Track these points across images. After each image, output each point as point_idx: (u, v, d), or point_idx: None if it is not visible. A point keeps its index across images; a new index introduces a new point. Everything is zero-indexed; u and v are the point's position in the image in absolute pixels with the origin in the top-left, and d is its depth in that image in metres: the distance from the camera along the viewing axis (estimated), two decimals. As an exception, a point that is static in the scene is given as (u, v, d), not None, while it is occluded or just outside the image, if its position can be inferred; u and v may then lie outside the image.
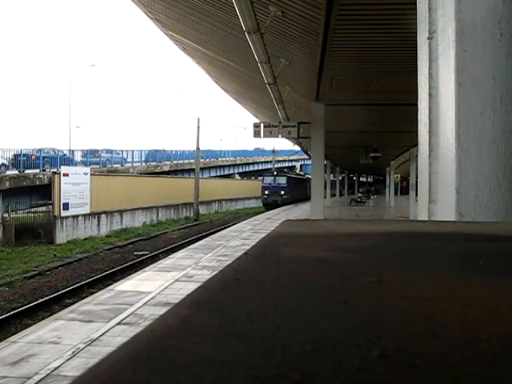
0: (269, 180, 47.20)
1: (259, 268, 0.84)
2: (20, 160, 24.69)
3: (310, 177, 55.40)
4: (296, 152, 61.00)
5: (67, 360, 5.77)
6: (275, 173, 48.70)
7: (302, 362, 0.43)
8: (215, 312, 0.58)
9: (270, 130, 15.45)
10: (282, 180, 46.70)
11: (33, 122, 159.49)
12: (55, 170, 25.46)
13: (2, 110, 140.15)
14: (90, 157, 33.26)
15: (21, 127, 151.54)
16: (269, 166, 61.85)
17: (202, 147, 39.02)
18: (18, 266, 16.79)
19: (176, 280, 10.27)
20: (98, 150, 35.53)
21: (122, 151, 37.57)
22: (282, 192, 45.54)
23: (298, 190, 49.97)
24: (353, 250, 1.01)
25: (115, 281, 12.74)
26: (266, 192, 46.28)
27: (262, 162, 66.45)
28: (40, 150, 26.78)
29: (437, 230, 1.43)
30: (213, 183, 46.78)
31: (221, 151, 57.74)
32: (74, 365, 5.61)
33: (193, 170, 39.35)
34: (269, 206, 44.53)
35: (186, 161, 44.30)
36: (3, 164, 24.16)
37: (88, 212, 24.93)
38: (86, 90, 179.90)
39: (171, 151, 45.01)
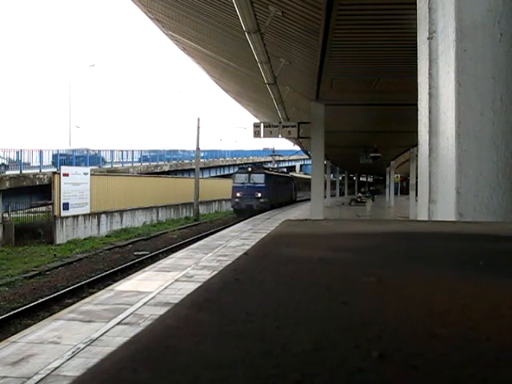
0: (241, 178, 36.43)
1: (259, 268, 0.84)
2: (58, 159, 28.17)
3: (294, 175, 53.00)
4: (296, 152, 60.78)
5: (67, 360, 5.77)
6: (249, 169, 37.40)
7: (302, 362, 0.43)
8: (215, 312, 0.58)
9: (270, 130, 15.45)
10: (259, 178, 36.01)
11: (33, 122, 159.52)
12: (92, 167, 29.57)
13: (2, 109, 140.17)
14: (172, 154, 44.16)
15: (21, 127, 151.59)
16: (269, 165, 61.41)
17: (202, 147, 38.97)
18: (18, 266, 16.78)
19: (176, 280, 10.27)
20: (177, 150, 46.71)
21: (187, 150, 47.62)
22: (259, 194, 35.07)
23: (279, 191, 39.94)
24: (353, 250, 1.01)
25: (115, 281, 12.74)
26: (238, 194, 35.55)
27: (261, 162, 66.48)
28: (73, 150, 31.14)
29: (437, 230, 1.43)
30: (213, 183, 46.68)
31: (240, 151, 60.84)
32: (73, 365, 5.61)
33: (193, 170, 39.31)
34: (241, 212, 34.82)
35: (186, 161, 44.62)
36: (3, 164, 24.36)
37: (88, 212, 24.93)
38: (86, 90, 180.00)
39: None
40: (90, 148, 34.26)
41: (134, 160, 37.31)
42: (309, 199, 50.18)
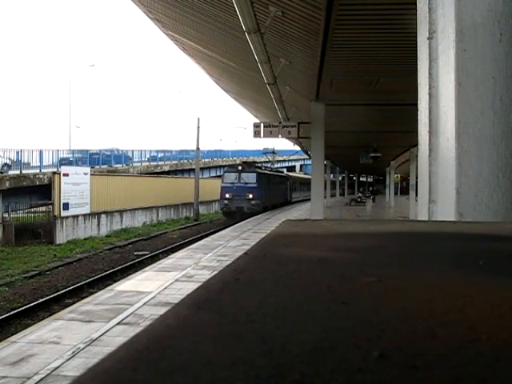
0: (231, 178, 32.83)
1: (259, 268, 0.84)
2: (96, 158, 32.38)
3: (290, 174, 51.43)
4: (296, 152, 60.71)
5: (67, 360, 5.77)
6: (240, 167, 33.58)
7: (302, 362, 0.43)
8: (215, 312, 0.58)
9: (270, 129, 15.46)
10: (251, 178, 32.41)
11: (33, 121, 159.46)
12: (119, 165, 34.00)
13: (1, 109, 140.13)
14: (183, 154, 46.08)
15: (21, 127, 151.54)
16: (268, 165, 61.17)
17: (202, 147, 38.95)
18: (18, 266, 16.78)
19: (176, 280, 10.27)
20: (188, 151, 47.99)
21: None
22: (250, 195, 31.63)
23: (273, 191, 36.46)
24: (353, 250, 1.01)
25: (115, 281, 12.74)
26: (227, 195, 32.09)
27: (261, 162, 66.43)
28: (111, 151, 36.28)
29: (437, 230, 1.43)
30: (213, 183, 46.57)
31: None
32: (74, 365, 5.61)
33: (193, 170, 39.32)
34: (230, 215, 31.84)
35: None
36: (5, 164, 24.51)
37: (88, 212, 24.92)
38: (86, 90, 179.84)
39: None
40: (120, 148, 39.27)
41: (150, 158, 40.93)
42: (305, 200, 48.68)
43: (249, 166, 34.65)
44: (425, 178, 2.35)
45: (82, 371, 0.42)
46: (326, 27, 8.01)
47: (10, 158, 24.93)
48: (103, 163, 32.38)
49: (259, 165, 38.43)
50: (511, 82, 2.03)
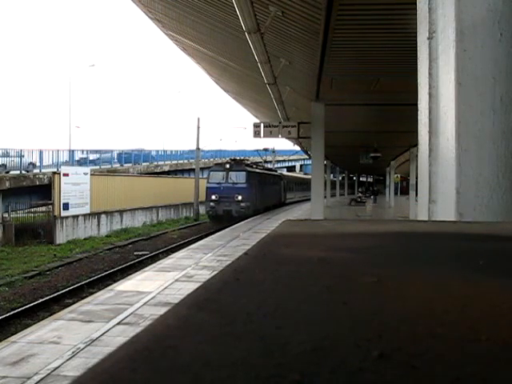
0: (218, 177, 29.03)
1: (259, 268, 0.84)
2: (125, 157, 36.89)
3: (284, 173, 49.67)
4: (296, 152, 60.66)
5: (67, 360, 5.77)
6: (227, 165, 29.49)
7: (302, 362, 0.43)
8: (215, 312, 0.58)
9: (270, 129, 15.46)
10: (240, 177, 28.76)
11: (33, 121, 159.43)
12: (146, 163, 38.72)
13: (1, 109, 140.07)
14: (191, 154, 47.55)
15: (21, 127, 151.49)
16: (268, 166, 60.99)
17: (202, 147, 38.96)
18: (18, 266, 16.78)
19: (176, 280, 10.27)
20: (192, 150, 51.50)
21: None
22: (239, 197, 28.07)
23: (265, 192, 32.70)
24: (353, 250, 1.01)
25: (115, 281, 12.74)
26: (213, 197, 28.48)
27: (261, 162, 66.34)
28: (141, 151, 41.79)
29: (437, 230, 1.43)
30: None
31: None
32: (73, 365, 5.61)
33: (193, 170, 39.34)
34: (217, 218, 28.30)
35: (186, 161, 45.19)
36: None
37: (88, 212, 24.92)
38: (86, 90, 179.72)
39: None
40: (145, 148, 45.84)
41: (172, 157, 45.30)
42: (300, 201, 47.55)
43: (238, 163, 30.59)
44: (425, 178, 2.35)
45: (81, 371, 0.42)
46: (326, 27, 8.01)
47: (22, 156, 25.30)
48: (134, 162, 38.10)
49: (249, 162, 34.48)
50: (511, 82, 2.03)
